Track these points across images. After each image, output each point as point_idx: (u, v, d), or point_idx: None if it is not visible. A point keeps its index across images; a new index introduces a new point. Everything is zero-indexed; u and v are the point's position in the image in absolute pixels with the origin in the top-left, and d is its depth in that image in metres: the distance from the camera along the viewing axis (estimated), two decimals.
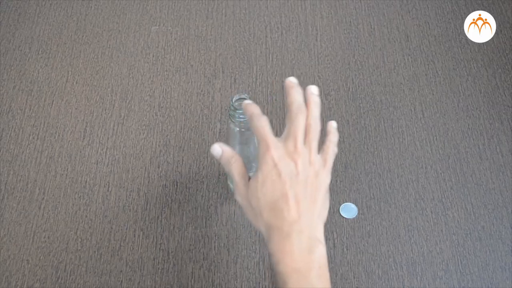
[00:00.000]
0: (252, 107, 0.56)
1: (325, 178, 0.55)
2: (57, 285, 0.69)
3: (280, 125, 0.81)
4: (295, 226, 0.51)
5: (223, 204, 0.75)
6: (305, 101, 0.56)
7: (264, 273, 0.70)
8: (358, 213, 0.74)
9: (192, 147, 0.80)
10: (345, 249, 0.71)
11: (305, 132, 0.54)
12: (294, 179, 0.52)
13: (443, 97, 0.85)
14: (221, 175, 0.77)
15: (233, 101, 0.60)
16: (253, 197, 0.53)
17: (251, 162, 0.68)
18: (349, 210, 0.74)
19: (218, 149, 0.57)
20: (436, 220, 0.74)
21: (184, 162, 0.78)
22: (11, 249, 0.71)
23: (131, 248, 0.72)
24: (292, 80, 0.57)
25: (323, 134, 0.57)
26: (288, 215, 0.51)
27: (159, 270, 0.70)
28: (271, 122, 0.82)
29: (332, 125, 0.58)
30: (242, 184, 0.55)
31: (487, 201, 0.75)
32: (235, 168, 0.56)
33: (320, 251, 0.52)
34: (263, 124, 0.54)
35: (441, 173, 0.77)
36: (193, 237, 0.72)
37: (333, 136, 0.58)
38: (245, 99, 0.60)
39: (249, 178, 0.56)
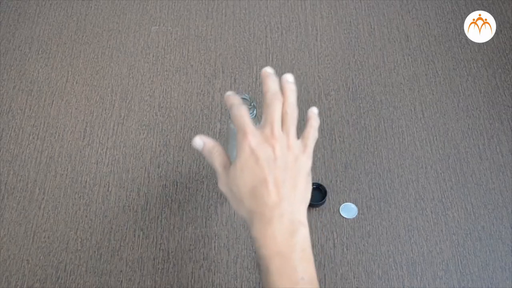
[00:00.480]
0: (231, 98, 0.56)
1: (306, 162, 0.55)
2: (57, 285, 0.69)
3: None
4: (276, 210, 0.51)
5: (223, 204, 0.75)
6: (281, 89, 0.56)
7: None
8: (358, 213, 0.74)
9: (192, 147, 0.80)
10: (345, 249, 0.71)
11: (282, 119, 0.55)
12: (272, 164, 0.52)
13: (443, 97, 0.85)
14: None
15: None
16: (234, 185, 0.54)
17: None
18: (349, 210, 0.74)
19: (199, 141, 0.58)
20: (436, 220, 0.74)
21: (184, 162, 0.78)
22: (11, 249, 0.71)
23: (131, 248, 0.72)
24: (267, 70, 0.57)
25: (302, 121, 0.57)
26: (268, 199, 0.52)
27: (159, 270, 0.70)
28: None
29: (313, 110, 0.59)
30: (224, 173, 0.55)
31: (487, 201, 0.75)
32: (217, 158, 0.56)
33: (303, 234, 0.52)
34: (242, 113, 0.54)
35: (441, 173, 0.77)
36: (193, 237, 0.72)
37: (314, 121, 0.58)
38: (245, 99, 0.60)
39: None
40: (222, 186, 0.56)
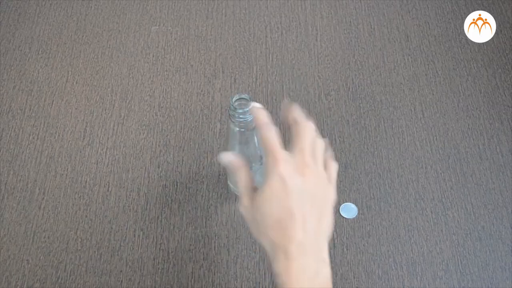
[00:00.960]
0: (261, 114, 0.54)
1: (332, 194, 0.54)
2: (57, 285, 0.69)
3: (279, 125, 0.81)
4: (301, 247, 0.50)
5: (223, 204, 0.75)
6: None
7: (264, 273, 0.70)
8: (358, 213, 0.74)
9: (192, 147, 0.80)
10: (345, 249, 0.71)
11: (312, 147, 0.53)
12: (301, 196, 0.50)
13: (443, 97, 0.85)
14: (221, 175, 0.77)
15: (233, 101, 0.60)
16: (258, 213, 0.51)
17: (251, 162, 0.68)
18: (349, 210, 0.74)
19: (226, 157, 0.56)
20: (436, 220, 0.74)
21: (184, 162, 0.78)
22: (11, 249, 0.71)
23: (131, 248, 0.72)
24: (289, 103, 0.56)
25: None
26: (294, 235, 0.49)
27: (159, 270, 0.70)
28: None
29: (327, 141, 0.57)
30: (247, 195, 0.53)
31: (487, 201, 0.75)
32: (242, 179, 0.55)
33: (326, 274, 0.51)
34: (272, 135, 0.52)
35: (441, 173, 0.78)
36: (193, 237, 0.72)
37: (330, 151, 0.57)
38: (245, 99, 0.60)
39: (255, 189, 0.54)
40: (244, 210, 0.53)
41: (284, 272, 0.49)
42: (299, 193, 0.50)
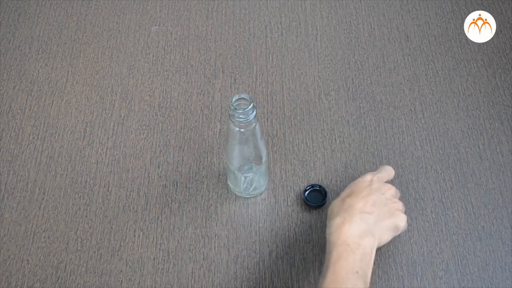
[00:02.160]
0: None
1: (403, 219, 0.66)
2: (57, 285, 0.69)
3: (279, 125, 0.81)
4: (360, 214, 0.62)
5: (223, 204, 0.75)
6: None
7: (264, 273, 0.70)
8: None
9: (192, 147, 0.80)
10: None
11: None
12: (380, 195, 0.65)
13: (443, 97, 0.85)
14: (221, 175, 0.77)
15: (233, 101, 0.60)
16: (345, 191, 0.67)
17: (251, 162, 0.68)
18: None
19: None
20: (436, 220, 0.74)
21: (184, 162, 0.78)
22: (11, 249, 0.71)
23: (131, 248, 0.72)
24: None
25: None
26: (360, 206, 0.63)
27: (159, 270, 0.70)
28: (271, 122, 0.82)
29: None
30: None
31: (487, 201, 0.75)
32: None
33: (371, 242, 0.61)
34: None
35: (441, 173, 0.77)
36: (193, 237, 0.72)
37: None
38: (245, 99, 0.60)
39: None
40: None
41: (335, 225, 0.62)
42: (378, 193, 0.66)
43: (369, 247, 0.61)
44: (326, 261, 0.60)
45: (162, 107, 0.84)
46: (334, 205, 0.65)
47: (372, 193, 0.65)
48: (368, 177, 0.68)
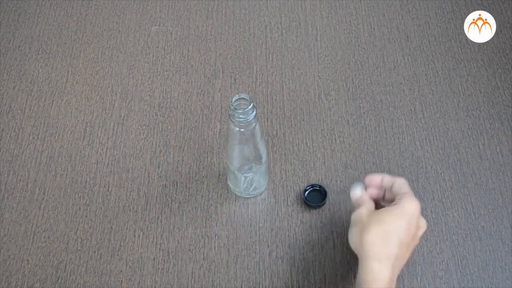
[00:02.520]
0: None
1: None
2: (57, 285, 0.69)
3: (279, 125, 0.81)
4: (397, 269, 0.58)
5: (223, 204, 0.75)
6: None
7: (264, 273, 0.70)
8: None
9: (192, 147, 0.80)
10: (345, 249, 0.71)
11: None
12: (414, 243, 0.60)
13: (443, 97, 0.85)
14: (221, 175, 0.77)
15: (233, 101, 0.60)
16: (382, 219, 0.59)
17: (251, 162, 0.68)
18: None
19: (358, 193, 0.64)
20: (436, 220, 0.74)
21: (184, 162, 0.78)
22: (11, 249, 0.71)
23: (131, 248, 0.72)
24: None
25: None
26: (398, 257, 0.58)
27: (159, 270, 0.70)
28: (271, 122, 0.82)
29: None
30: (368, 205, 0.62)
31: (487, 201, 0.75)
32: (365, 207, 0.62)
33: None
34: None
35: (441, 173, 0.77)
36: (193, 237, 0.72)
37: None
38: (245, 99, 0.60)
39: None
40: (362, 216, 0.60)
41: (379, 273, 0.56)
42: (418, 236, 0.61)
43: None
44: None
45: (162, 107, 0.84)
46: (363, 248, 0.59)
47: (417, 235, 0.61)
48: (417, 206, 0.60)
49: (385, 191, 0.65)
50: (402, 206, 0.59)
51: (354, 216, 0.61)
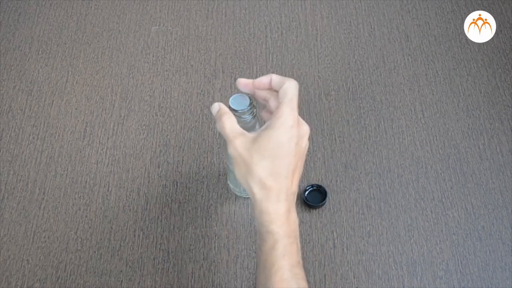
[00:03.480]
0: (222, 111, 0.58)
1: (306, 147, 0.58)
2: (57, 285, 0.69)
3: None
4: (293, 196, 0.54)
5: (223, 204, 0.75)
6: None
7: None
8: (359, 213, 0.74)
9: (192, 147, 0.80)
10: (345, 249, 0.71)
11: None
12: (303, 152, 0.55)
13: (443, 97, 0.85)
14: (221, 175, 0.77)
15: (232, 100, 0.60)
16: (263, 151, 0.53)
17: None
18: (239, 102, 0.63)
19: (216, 106, 0.58)
20: (436, 220, 0.74)
21: (184, 162, 0.78)
22: (11, 249, 0.71)
23: (131, 248, 0.72)
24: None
25: None
26: (291, 186, 0.54)
27: (159, 270, 0.70)
28: None
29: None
30: (239, 136, 0.55)
31: (487, 201, 0.75)
32: (227, 123, 0.56)
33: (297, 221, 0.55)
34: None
35: (441, 173, 0.77)
36: (193, 237, 0.72)
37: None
38: (245, 98, 0.60)
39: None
40: (237, 150, 0.54)
41: (274, 212, 0.53)
42: (303, 149, 0.56)
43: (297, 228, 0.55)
44: (266, 253, 0.53)
45: (162, 107, 0.84)
46: (248, 177, 0.54)
47: (300, 151, 0.55)
48: (290, 119, 0.54)
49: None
50: (278, 122, 0.53)
51: (232, 151, 0.55)
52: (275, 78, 0.57)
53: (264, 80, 0.58)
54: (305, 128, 0.56)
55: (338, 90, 0.85)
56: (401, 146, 0.80)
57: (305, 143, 0.56)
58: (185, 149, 0.80)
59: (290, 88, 0.55)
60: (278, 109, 0.54)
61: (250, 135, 0.55)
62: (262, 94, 0.59)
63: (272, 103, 0.58)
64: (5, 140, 0.81)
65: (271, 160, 0.53)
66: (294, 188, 0.55)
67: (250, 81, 0.59)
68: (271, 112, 0.58)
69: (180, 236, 0.72)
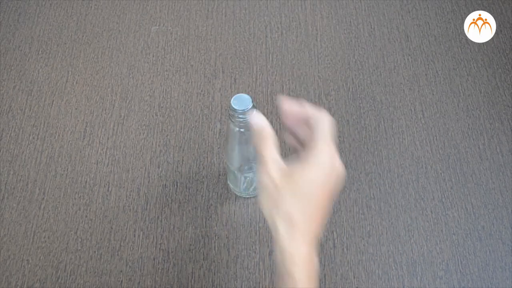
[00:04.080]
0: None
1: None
2: (57, 285, 0.69)
3: (280, 125, 0.81)
4: (316, 241, 0.50)
5: (223, 204, 0.75)
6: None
7: (264, 273, 0.70)
8: (358, 213, 0.74)
9: (192, 147, 0.80)
10: (345, 249, 0.71)
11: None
12: (335, 197, 0.51)
13: (443, 97, 0.85)
14: (221, 175, 0.77)
15: (233, 101, 0.60)
16: (296, 185, 0.48)
17: (251, 162, 0.68)
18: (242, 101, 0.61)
19: (262, 124, 0.54)
20: (436, 220, 0.74)
21: (184, 162, 0.78)
22: (11, 249, 0.71)
23: (131, 248, 0.72)
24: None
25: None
26: (317, 230, 0.49)
27: (159, 270, 0.70)
28: (271, 122, 0.82)
29: None
30: (276, 162, 0.50)
31: (487, 201, 0.75)
32: (271, 146, 0.52)
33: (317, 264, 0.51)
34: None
35: (441, 173, 0.78)
36: (193, 237, 0.72)
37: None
38: (245, 98, 0.60)
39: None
40: (274, 174, 0.49)
41: (297, 252, 0.48)
42: (336, 195, 0.51)
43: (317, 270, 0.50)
44: None
45: (162, 107, 0.84)
46: (275, 209, 0.49)
47: (336, 188, 0.51)
48: (333, 153, 0.50)
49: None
50: (315, 160, 0.49)
51: (262, 175, 0.50)
52: (307, 107, 0.53)
53: (295, 107, 0.54)
54: (342, 171, 0.51)
55: (338, 90, 0.85)
56: (401, 146, 0.80)
57: (340, 188, 0.52)
58: (185, 149, 0.80)
59: (327, 121, 0.51)
60: (314, 142, 0.50)
61: (285, 165, 0.50)
62: (290, 121, 0.55)
63: (301, 131, 0.54)
64: (5, 140, 0.81)
65: (303, 198, 0.48)
66: (319, 233, 0.50)
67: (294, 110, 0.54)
68: (297, 138, 0.55)
69: (180, 236, 0.72)
